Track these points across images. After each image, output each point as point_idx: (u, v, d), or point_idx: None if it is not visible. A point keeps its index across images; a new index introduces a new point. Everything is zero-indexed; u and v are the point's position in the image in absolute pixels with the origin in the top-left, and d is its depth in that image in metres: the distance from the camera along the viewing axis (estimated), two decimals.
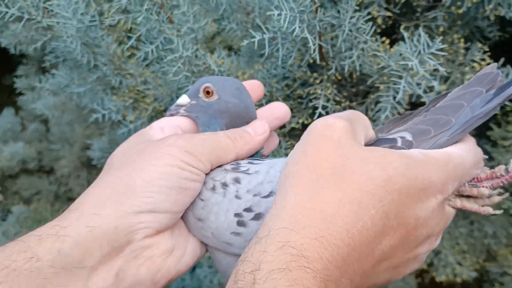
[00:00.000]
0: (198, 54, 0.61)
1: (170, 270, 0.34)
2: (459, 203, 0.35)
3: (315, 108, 0.58)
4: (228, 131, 0.40)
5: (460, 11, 0.54)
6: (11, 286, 0.28)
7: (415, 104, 0.59)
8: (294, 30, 0.47)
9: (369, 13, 0.55)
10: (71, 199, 1.78)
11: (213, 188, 0.37)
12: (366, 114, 0.61)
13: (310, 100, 0.60)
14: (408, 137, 0.36)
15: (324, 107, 0.57)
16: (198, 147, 0.35)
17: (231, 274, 0.29)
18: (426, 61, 0.48)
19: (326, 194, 0.30)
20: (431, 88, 0.52)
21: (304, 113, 0.65)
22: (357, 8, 0.49)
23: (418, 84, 0.51)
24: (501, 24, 0.66)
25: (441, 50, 0.48)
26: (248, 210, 0.37)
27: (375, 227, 0.30)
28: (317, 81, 0.57)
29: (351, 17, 0.49)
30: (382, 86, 0.54)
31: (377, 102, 0.58)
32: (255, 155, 0.41)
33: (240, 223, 0.37)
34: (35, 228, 0.32)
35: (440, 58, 0.55)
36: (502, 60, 0.59)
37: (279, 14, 0.45)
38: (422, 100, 0.52)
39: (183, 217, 0.37)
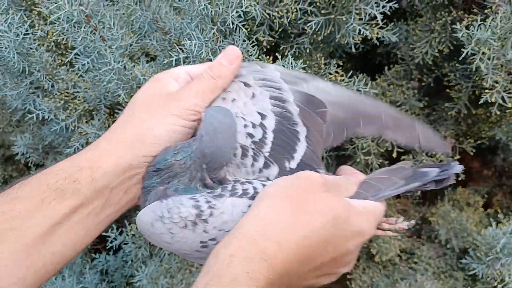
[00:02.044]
0: (127, 66, 0.77)
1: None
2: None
3: None
4: (208, 69, 0.50)
5: (319, 38, 0.76)
6: (61, 200, 0.44)
7: None
8: (202, 53, 0.66)
9: (257, 39, 0.76)
10: None
11: (185, 226, 0.45)
12: None
13: None
14: None
15: None
16: (196, 105, 0.49)
17: (206, 261, 0.41)
18: None
19: (290, 219, 0.43)
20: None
21: None
22: (247, 37, 0.69)
23: None
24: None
25: (304, 68, 0.70)
26: (212, 240, 0.45)
27: (316, 249, 0.43)
28: None
29: (242, 43, 0.69)
30: None
31: None
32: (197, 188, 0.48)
33: (204, 246, 0.46)
34: None
35: (308, 71, 0.77)
36: (351, 72, 0.83)
37: (191, 44, 0.64)
38: None
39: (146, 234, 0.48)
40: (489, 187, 1.43)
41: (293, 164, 0.50)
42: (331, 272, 0.47)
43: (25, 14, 0.92)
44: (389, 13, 0.77)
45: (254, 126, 0.50)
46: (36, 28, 0.93)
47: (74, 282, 1.29)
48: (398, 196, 1.34)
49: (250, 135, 0.50)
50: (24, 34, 0.87)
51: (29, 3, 0.91)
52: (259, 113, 0.50)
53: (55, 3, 0.66)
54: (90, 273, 1.31)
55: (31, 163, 1.37)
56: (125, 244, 1.15)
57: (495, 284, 1.01)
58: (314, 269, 0.44)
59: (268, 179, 0.49)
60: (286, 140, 0.50)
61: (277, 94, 0.51)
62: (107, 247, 1.17)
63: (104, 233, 1.19)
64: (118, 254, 1.34)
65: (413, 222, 0.52)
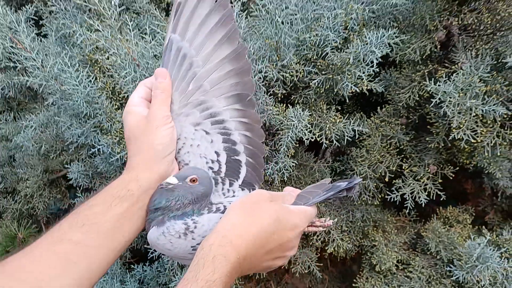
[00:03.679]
0: None
1: None
2: (307, 228, 0.73)
3: None
4: (155, 91, 0.71)
5: (321, 91, 0.98)
6: (122, 202, 0.66)
7: (300, 141, 1.03)
8: None
9: (273, 91, 0.99)
10: (33, 215, 2.04)
11: (179, 237, 0.67)
12: (274, 146, 1.03)
13: None
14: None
15: None
16: (165, 114, 0.71)
17: (197, 249, 0.63)
18: (301, 120, 0.91)
19: (247, 220, 0.64)
20: (308, 134, 0.95)
21: None
22: (266, 92, 0.92)
23: (300, 131, 0.94)
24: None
25: (311, 114, 0.92)
26: (199, 244, 0.64)
27: (266, 238, 0.64)
28: None
29: (262, 96, 0.92)
30: (281, 132, 0.97)
31: (279, 140, 1.00)
32: (194, 212, 0.69)
33: (194, 249, 0.66)
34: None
35: (313, 115, 0.99)
36: (349, 115, 1.05)
37: None
38: (304, 139, 0.96)
39: (153, 245, 0.70)
40: (482, 206, 1.62)
41: (240, 182, 0.76)
42: (281, 255, 0.68)
43: (89, 70, 1.16)
44: (377, 70, 0.99)
45: (213, 161, 0.74)
46: (98, 80, 1.17)
47: None
48: (397, 215, 1.53)
49: (211, 168, 0.74)
50: (90, 87, 1.11)
51: (93, 61, 1.15)
52: (216, 152, 0.74)
53: (124, 70, 0.90)
54: (131, 281, 1.53)
55: (78, 186, 1.61)
56: (163, 255, 1.37)
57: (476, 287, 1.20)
58: (267, 253, 0.66)
59: (233, 192, 0.74)
60: (232, 167, 0.75)
61: (224, 131, 0.75)
62: (148, 257, 1.39)
63: (146, 246, 1.41)
64: (153, 265, 1.56)
65: (335, 220, 0.76)
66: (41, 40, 1.10)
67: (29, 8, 1.38)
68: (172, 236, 0.67)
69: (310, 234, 1.29)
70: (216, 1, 0.72)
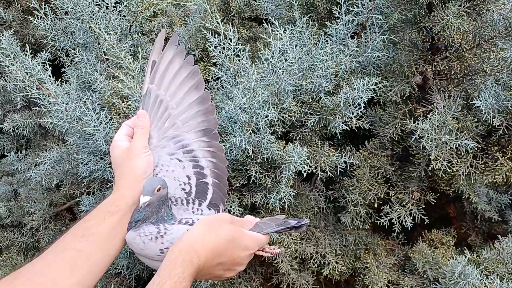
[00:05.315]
0: None
1: None
2: (257, 252, 0.83)
3: (250, 177, 1.13)
4: (136, 128, 0.87)
5: (316, 129, 1.12)
6: (113, 216, 0.78)
7: (300, 173, 1.16)
8: (242, 144, 1.02)
9: (274, 130, 1.13)
10: (38, 248, 2.12)
11: (151, 239, 0.78)
12: (275, 178, 1.16)
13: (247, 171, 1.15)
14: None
15: (255, 177, 1.12)
16: (144, 145, 0.86)
17: (166, 255, 0.74)
18: (301, 155, 1.05)
19: (208, 236, 0.76)
20: (306, 167, 1.09)
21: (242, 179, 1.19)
22: (270, 132, 1.06)
23: (299, 165, 1.07)
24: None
25: (308, 150, 1.06)
26: (166, 248, 0.76)
27: (222, 252, 0.77)
28: (250, 163, 1.13)
29: (268, 136, 1.05)
30: (283, 166, 1.11)
31: (281, 172, 1.13)
32: (167, 219, 0.81)
33: (161, 252, 0.77)
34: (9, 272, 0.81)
35: (310, 149, 1.13)
36: (341, 148, 1.19)
37: (235, 138, 1.00)
38: (302, 171, 1.09)
39: (131, 245, 0.80)
40: (464, 229, 1.76)
41: (207, 202, 0.89)
42: (230, 268, 0.81)
43: (107, 112, 1.28)
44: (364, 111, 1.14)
45: (185, 184, 0.88)
46: (115, 121, 1.30)
47: None
48: (387, 238, 1.66)
49: (183, 189, 0.87)
50: (109, 128, 1.24)
51: (110, 104, 1.28)
52: (187, 176, 0.88)
53: None
54: None
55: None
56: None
57: None
58: (219, 264, 0.79)
59: (202, 210, 0.88)
60: (201, 189, 0.89)
61: (193, 158, 0.89)
62: None
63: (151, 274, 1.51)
64: None
65: (283, 249, 0.90)
66: (60, 85, 1.22)
67: (44, 54, 1.52)
68: (146, 237, 0.79)
69: (306, 257, 1.41)
70: (184, 60, 0.91)
